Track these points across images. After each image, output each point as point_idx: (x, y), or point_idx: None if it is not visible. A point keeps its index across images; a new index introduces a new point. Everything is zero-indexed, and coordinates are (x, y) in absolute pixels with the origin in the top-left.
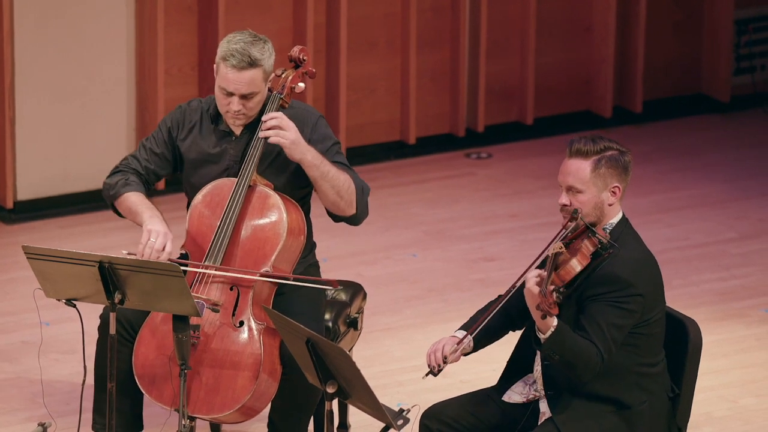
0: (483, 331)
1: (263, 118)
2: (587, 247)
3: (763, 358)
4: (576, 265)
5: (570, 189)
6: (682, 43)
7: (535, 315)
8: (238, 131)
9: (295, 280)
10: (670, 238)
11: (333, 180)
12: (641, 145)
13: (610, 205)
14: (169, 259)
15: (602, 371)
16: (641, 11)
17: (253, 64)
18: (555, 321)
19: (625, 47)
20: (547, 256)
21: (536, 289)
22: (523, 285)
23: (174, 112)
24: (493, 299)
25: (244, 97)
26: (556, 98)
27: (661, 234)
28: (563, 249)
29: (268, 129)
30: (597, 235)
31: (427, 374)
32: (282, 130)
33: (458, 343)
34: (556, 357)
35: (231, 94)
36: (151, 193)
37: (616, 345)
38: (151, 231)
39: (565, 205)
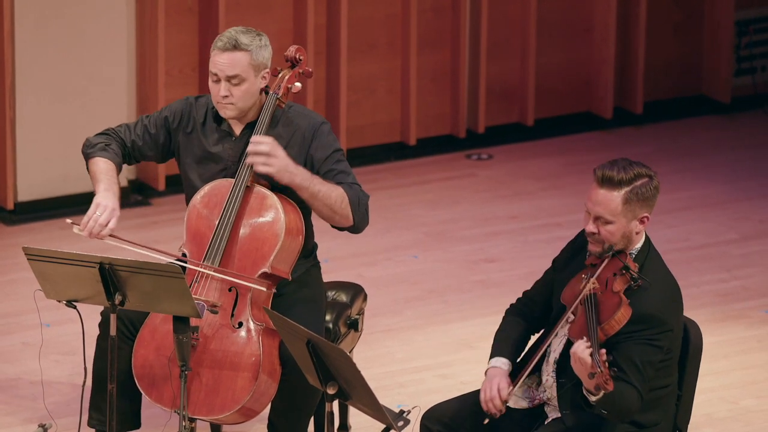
0: (514, 350)
1: (252, 140)
2: (621, 286)
3: (764, 359)
4: (621, 320)
5: (598, 218)
6: (683, 44)
7: (588, 384)
8: (237, 130)
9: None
10: (670, 239)
11: (325, 199)
12: (641, 146)
13: (637, 233)
14: (169, 261)
15: None
16: (641, 12)
17: (237, 46)
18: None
19: (626, 48)
20: (582, 294)
21: (588, 360)
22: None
23: (182, 102)
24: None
25: (230, 81)
26: (556, 99)
27: (662, 235)
28: (596, 284)
29: (256, 154)
30: (630, 270)
31: (488, 420)
32: (270, 158)
33: (512, 385)
34: (605, 412)
35: (219, 81)
36: (151, 193)
37: (650, 381)
38: (99, 205)
39: (593, 233)
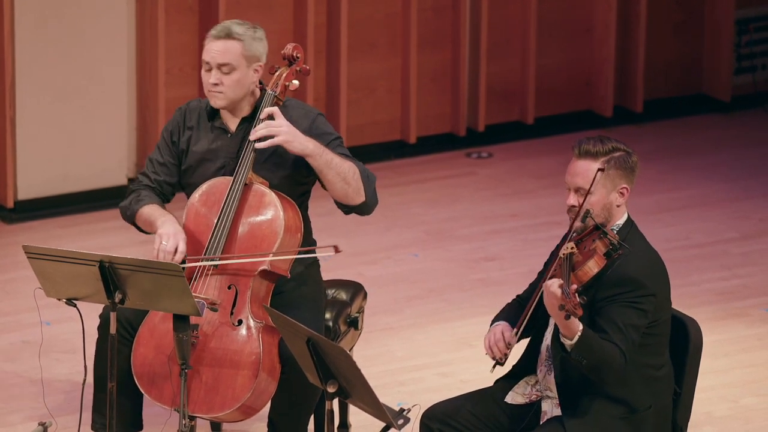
0: (513, 319)
1: (259, 116)
2: (600, 248)
3: (764, 357)
4: (593, 267)
5: (578, 190)
6: (683, 42)
7: (558, 317)
8: (233, 127)
9: (298, 253)
10: (670, 237)
11: (338, 167)
12: (642, 145)
13: (618, 206)
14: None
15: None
16: (642, 11)
17: (230, 35)
18: (580, 325)
19: (626, 47)
20: (559, 257)
21: (558, 291)
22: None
23: (174, 116)
24: (509, 301)
25: (221, 69)
26: (556, 98)
27: (662, 234)
28: (575, 249)
29: (258, 138)
30: (608, 236)
31: (494, 366)
32: (273, 128)
33: (517, 328)
34: (584, 362)
35: (210, 69)
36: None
37: (635, 346)
38: (162, 234)
39: (573, 206)
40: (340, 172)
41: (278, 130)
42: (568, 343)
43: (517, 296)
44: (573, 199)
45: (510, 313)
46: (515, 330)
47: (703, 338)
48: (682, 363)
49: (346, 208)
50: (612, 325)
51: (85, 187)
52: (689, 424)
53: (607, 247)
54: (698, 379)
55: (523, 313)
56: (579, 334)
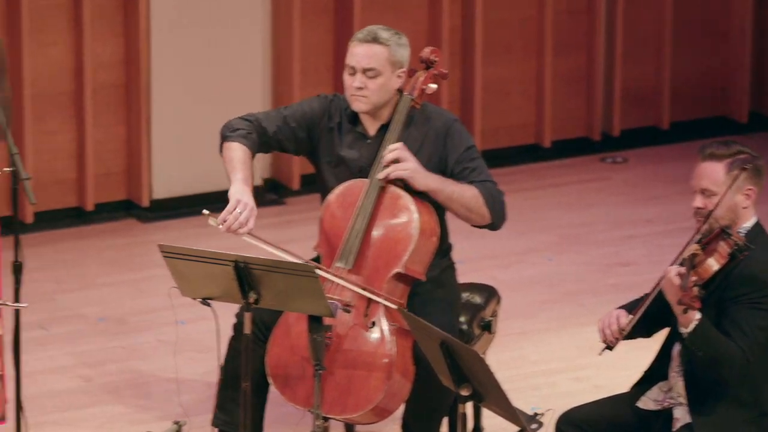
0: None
1: (384, 154)
2: (723, 248)
3: None
4: (713, 264)
5: (704, 192)
6: None
7: (677, 310)
8: (372, 132)
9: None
10: None
11: (459, 199)
12: None
13: (744, 208)
14: (306, 261)
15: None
16: None
17: (377, 40)
18: (698, 315)
19: (762, 53)
20: (684, 258)
21: (677, 281)
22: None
23: (320, 100)
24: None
25: (366, 74)
26: (692, 103)
27: None
28: (700, 251)
29: (387, 164)
30: (732, 237)
31: (603, 350)
32: (401, 163)
33: (632, 314)
34: (700, 353)
35: (354, 73)
36: (285, 193)
37: (760, 347)
38: (240, 202)
39: (700, 208)
40: (463, 204)
41: (403, 173)
42: (684, 331)
43: (646, 294)
44: (699, 201)
45: (632, 304)
46: (631, 316)
47: None
48: None
49: (473, 225)
50: (734, 325)
51: (220, 187)
52: None
53: (731, 248)
54: None
55: (641, 302)
56: (695, 323)
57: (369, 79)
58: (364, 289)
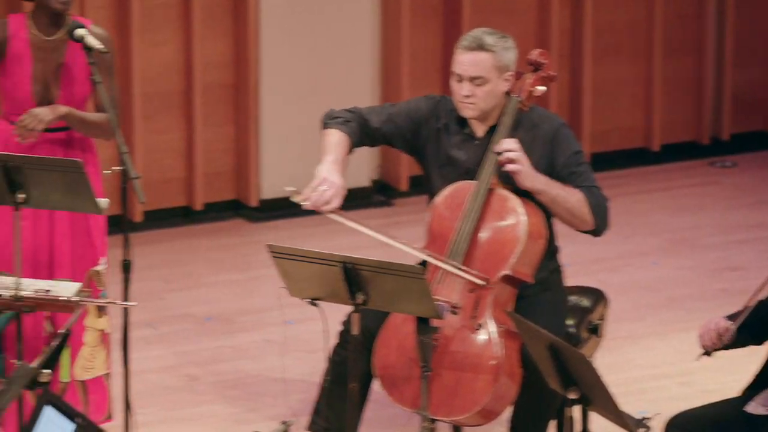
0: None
1: (499, 144)
2: None
3: None
4: None
5: None
6: None
7: None
8: (480, 134)
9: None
10: None
11: (564, 203)
12: None
13: None
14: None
15: None
16: None
17: (482, 47)
18: None
19: None
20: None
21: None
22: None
23: (428, 101)
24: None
25: (473, 82)
26: None
27: None
28: None
29: (506, 160)
30: None
31: (701, 355)
32: (516, 164)
33: (733, 322)
34: None
35: (461, 80)
36: (393, 194)
37: None
38: (326, 179)
39: None
40: (567, 208)
41: (515, 167)
42: None
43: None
44: None
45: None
46: (731, 322)
47: None
48: None
49: (576, 230)
50: None
51: None
52: None
53: None
54: None
55: (744, 307)
56: None
57: (476, 87)
58: (459, 269)
